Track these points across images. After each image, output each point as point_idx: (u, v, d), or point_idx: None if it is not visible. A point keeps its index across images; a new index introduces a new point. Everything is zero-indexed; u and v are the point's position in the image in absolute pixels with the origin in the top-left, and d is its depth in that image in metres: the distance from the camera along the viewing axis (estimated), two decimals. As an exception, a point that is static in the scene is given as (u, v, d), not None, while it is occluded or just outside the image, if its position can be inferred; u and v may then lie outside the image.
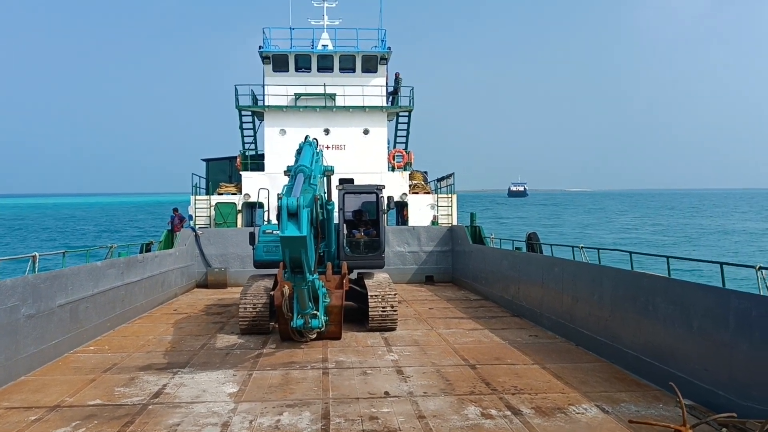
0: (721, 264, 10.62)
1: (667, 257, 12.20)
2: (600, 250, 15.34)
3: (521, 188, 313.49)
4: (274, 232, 16.71)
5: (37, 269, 13.67)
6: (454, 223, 29.30)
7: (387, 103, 30.55)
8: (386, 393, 10.99)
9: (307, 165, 13.16)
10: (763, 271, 9.62)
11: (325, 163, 16.03)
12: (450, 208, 29.69)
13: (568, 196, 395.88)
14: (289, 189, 11.96)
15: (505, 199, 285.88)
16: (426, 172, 33.36)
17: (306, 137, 15.57)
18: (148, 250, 23.27)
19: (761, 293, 9.37)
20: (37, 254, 13.97)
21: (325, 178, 16.19)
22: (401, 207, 30.62)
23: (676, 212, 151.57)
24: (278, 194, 11.75)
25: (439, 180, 32.00)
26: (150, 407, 10.28)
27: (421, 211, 29.72)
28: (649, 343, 11.62)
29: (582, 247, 16.38)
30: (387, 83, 30.78)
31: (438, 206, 29.74)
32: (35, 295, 12.71)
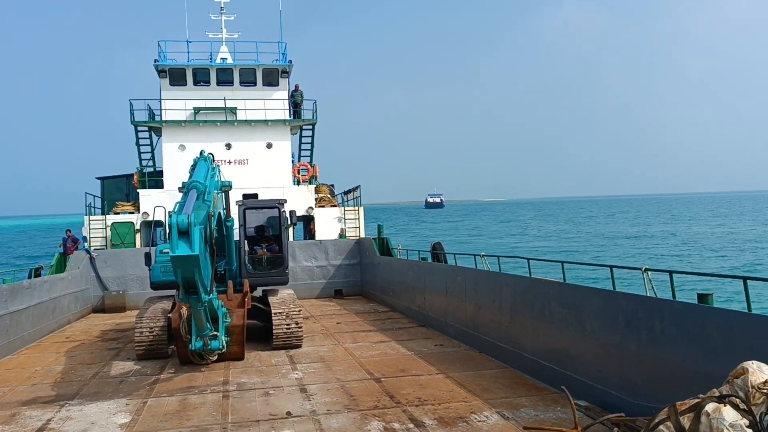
0: (611, 267, 10.99)
1: (562, 262, 12.54)
2: (500, 258, 15.62)
3: (438, 199, 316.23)
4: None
5: None
6: (362, 235, 29.24)
7: (290, 116, 30.22)
8: (288, 413, 10.69)
9: (200, 180, 12.70)
10: (649, 272, 10.01)
11: (222, 178, 15.58)
12: (357, 220, 29.62)
13: (484, 206, 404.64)
14: (181, 206, 11.49)
15: (423, 210, 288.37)
16: (332, 185, 33.19)
17: (201, 152, 15.08)
18: (38, 275, 21.87)
19: (647, 294, 9.74)
20: None
21: (222, 194, 15.73)
22: (308, 221, 30.32)
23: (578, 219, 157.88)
24: (169, 212, 11.27)
25: (346, 193, 31.91)
26: (31, 445, 9.55)
27: (328, 224, 29.49)
28: (547, 347, 11.87)
29: (483, 255, 16.63)
30: (289, 96, 30.47)
31: (345, 219, 29.60)
32: None
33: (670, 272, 9.29)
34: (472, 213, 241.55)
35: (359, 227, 29.59)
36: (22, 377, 14.13)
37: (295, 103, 30.33)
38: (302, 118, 30.54)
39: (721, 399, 6.28)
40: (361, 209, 29.96)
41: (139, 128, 29.53)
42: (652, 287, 9.90)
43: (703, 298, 8.67)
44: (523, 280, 13.12)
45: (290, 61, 30.02)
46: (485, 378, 12.48)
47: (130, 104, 28.55)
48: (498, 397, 11.12)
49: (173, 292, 16.58)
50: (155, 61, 28.76)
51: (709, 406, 6.22)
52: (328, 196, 31.20)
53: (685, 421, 6.35)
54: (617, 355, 9.78)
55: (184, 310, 13.12)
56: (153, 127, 29.50)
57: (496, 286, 14.18)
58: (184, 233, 10.42)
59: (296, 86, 30.66)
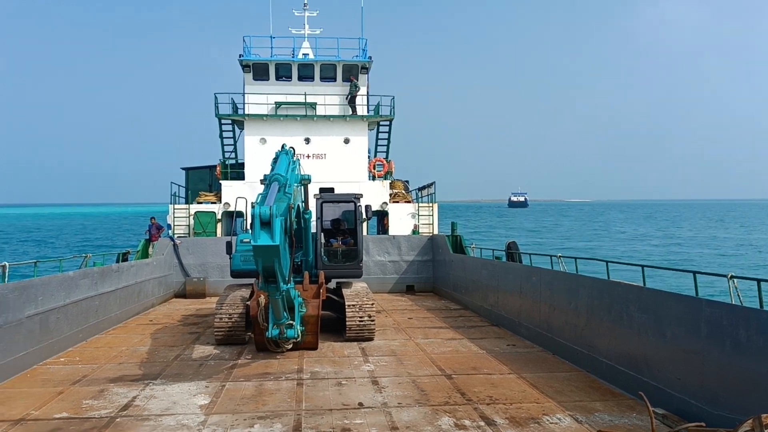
0: (694, 273, 10.64)
1: (642, 266, 12.22)
2: (577, 259, 15.35)
3: (522, 198, 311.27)
4: (250, 241, 16.61)
5: (6, 279, 13.43)
6: (435, 232, 29.26)
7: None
8: (360, 404, 10.87)
9: (282, 173, 13.05)
10: (735, 280, 9.65)
11: (302, 172, 15.94)
12: (431, 217, 29.66)
13: (570, 206, 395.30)
14: (263, 197, 11.85)
15: (506, 209, 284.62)
16: (407, 181, 33.35)
17: (282, 146, 15.47)
18: (125, 260, 23.00)
19: (733, 302, 9.39)
20: (6, 264, 13.74)
21: (302, 187, 16.10)
22: (382, 216, 30.56)
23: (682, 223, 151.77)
24: (252, 203, 11.65)
25: (420, 189, 31.97)
26: (118, 420, 10.08)
27: (401, 220, 29.66)
28: (624, 352, 11.60)
29: (560, 257, 16.40)
30: (368, 92, 30.76)
31: (419, 215, 29.70)
32: (2, 305, 12.46)
33: (758, 280, 8.93)
34: (558, 213, 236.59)
35: (433, 224, 29.62)
36: (109, 356, 14.92)
37: (351, 96, 30.41)
38: (380, 113, 30.73)
39: (811, 413, 6.03)
40: (435, 206, 29.97)
41: (222, 121, 30.49)
42: (738, 295, 9.54)
43: (793, 308, 8.31)
44: (601, 282, 12.85)
45: (370, 57, 30.33)
46: (558, 380, 12.32)
47: (215, 98, 29.52)
48: (571, 400, 10.96)
49: (252, 280, 17.10)
50: (240, 56, 29.63)
51: (798, 420, 5.98)
52: (403, 192, 31.36)
53: (771, 434, 6.13)
54: (698, 363, 9.47)
55: (262, 299, 13.51)
56: (236, 120, 30.42)
57: (573, 288, 13.94)
58: (266, 224, 10.75)
59: (350, 78, 30.41)
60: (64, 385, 12.19)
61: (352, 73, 30.18)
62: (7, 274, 13.62)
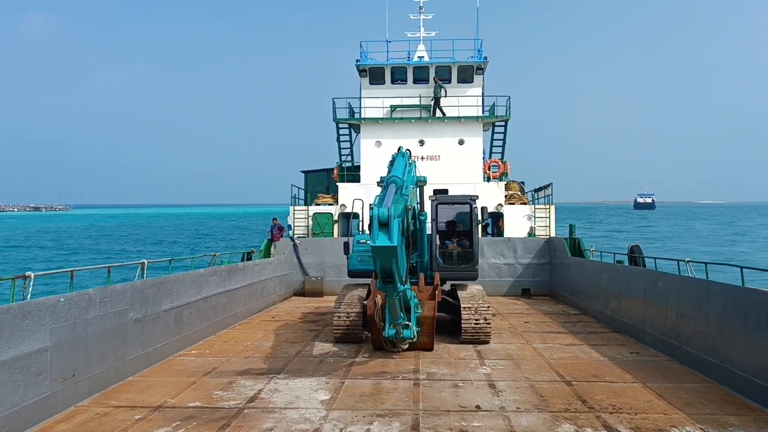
0: None
1: (783, 272, 11.40)
2: (708, 265, 14.51)
3: (649, 200, 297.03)
4: (367, 241, 16.92)
5: (145, 275, 14.44)
6: (552, 234, 28.55)
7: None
8: (477, 407, 10.82)
9: (398, 176, 13.22)
10: None
11: (417, 174, 16.07)
12: (548, 219, 28.98)
13: (702, 208, 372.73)
14: (381, 199, 12.05)
15: (631, 211, 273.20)
16: (523, 183, 32.76)
17: (399, 148, 15.67)
18: (249, 259, 24.08)
19: None
20: (145, 261, 14.75)
21: (417, 189, 16.22)
22: (497, 218, 30.20)
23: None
24: (370, 204, 11.88)
25: (537, 190, 31.32)
26: (245, 411, 10.59)
27: (517, 222, 29.18)
28: (762, 364, 10.84)
29: (688, 261, 15.59)
30: (483, 92, 30.51)
31: (535, 217, 29.10)
32: (143, 300, 13.43)
33: None
34: (689, 215, 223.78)
35: (549, 226, 28.92)
36: (236, 350, 15.69)
37: (435, 99, 29.93)
38: (495, 114, 30.42)
39: None
40: (552, 208, 29.24)
41: (340, 125, 31.27)
42: None
43: None
44: (735, 289, 12.07)
45: (485, 58, 30.10)
46: (687, 391, 11.69)
47: (333, 102, 30.36)
48: (702, 413, 10.37)
49: (368, 280, 17.43)
50: (357, 61, 30.27)
51: None
52: (518, 193, 30.85)
53: None
54: None
55: (379, 299, 13.72)
56: (352, 124, 31.10)
57: (703, 295, 13.18)
58: (384, 225, 10.92)
59: (435, 79, 30.04)
60: (196, 376, 12.95)
61: (467, 74, 30.06)
62: (145, 271, 14.62)
